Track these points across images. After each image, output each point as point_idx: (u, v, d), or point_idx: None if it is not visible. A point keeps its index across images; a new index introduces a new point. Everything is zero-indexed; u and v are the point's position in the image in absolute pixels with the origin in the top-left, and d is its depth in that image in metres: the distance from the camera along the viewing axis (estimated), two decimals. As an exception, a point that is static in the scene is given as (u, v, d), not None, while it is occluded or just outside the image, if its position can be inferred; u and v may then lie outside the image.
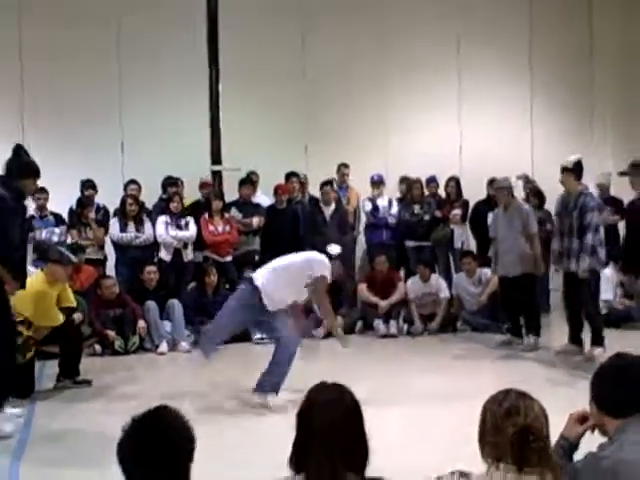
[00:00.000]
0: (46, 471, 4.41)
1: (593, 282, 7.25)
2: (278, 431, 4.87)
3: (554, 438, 2.44)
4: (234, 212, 9.45)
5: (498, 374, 6.90)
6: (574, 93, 12.14)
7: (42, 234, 8.73)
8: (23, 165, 5.32)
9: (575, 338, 7.43)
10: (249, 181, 9.74)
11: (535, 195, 9.74)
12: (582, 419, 2.64)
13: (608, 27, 12.06)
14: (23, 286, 5.38)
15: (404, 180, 10.27)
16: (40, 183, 7.96)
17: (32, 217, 8.76)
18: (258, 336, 8.47)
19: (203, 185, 9.83)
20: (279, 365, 5.73)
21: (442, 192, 10.31)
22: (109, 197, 9.38)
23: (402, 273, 9.80)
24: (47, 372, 6.70)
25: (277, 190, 9.65)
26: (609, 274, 8.94)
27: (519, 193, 9.32)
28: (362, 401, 2.30)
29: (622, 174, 8.66)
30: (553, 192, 8.07)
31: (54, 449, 4.82)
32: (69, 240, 8.85)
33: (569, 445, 2.59)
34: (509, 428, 2.19)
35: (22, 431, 5.17)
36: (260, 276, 5.87)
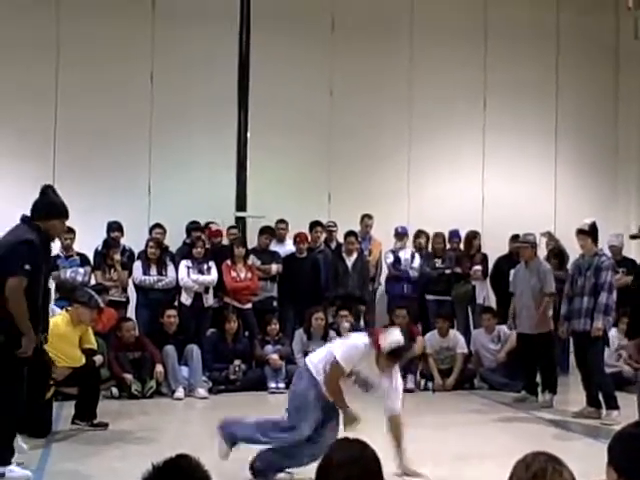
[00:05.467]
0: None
1: (601, 343, 7.25)
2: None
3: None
4: (252, 259, 9.52)
5: (514, 434, 6.79)
6: (599, 152, 12.21)
7: (67, 273, 8.84)
8: (51, 205, 5.12)
9: (593, 400, 7.37)
10: (268, 230, 9.83)
11: (556, 254, 9.72)
12: None
13: (634, 88, 12.15)
14: (45, 330, 5.29)
15: (421, 234, 10.30)
16: (68, 223, 8.25)
17: (57, 256, 8.87)
18: (273, 385, 8.49)
19: (215, 233, 9.82)
20: None
21: (462, 246, 10.34)
22: (135, 239, 9.51)
23: (419, 327, 9.76)
24: (64, 413, 6.72)
25: (296, 238, 9.75)
26: (613, 337, 8.83)
27: (541, 251, 9.33)
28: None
29: (633, 237, 8.68)
30: (576, 251, 8.08)
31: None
32: (93, 281, 8.95)
33: None
34: None
35: (36, 472, 5.17)
36: None
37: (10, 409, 4.90)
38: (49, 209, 5.09)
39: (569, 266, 8.88)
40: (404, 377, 8.77)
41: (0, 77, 10.00)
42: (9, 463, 4.91)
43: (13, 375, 4.88)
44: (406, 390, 8.55)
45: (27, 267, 4.77)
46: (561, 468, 2.20)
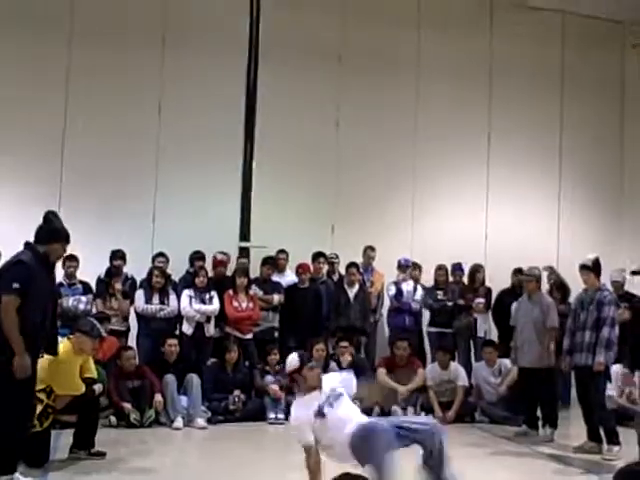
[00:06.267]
0: None
1: (603, 378, 7.22)
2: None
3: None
4: (255, 289, 9.54)
5: (514, 469, 6.77)
6: (604, 184, 12.27)
7: (69, 302, 8.86)
8: (52, 230, 5.36)
9: (594, 435, 7.33)
10: (270, 261, 9.86)
11: (558, 288, 9.72)
12: None
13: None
14: (55, 353, 5.53)
15: (415, 266, 10.31)
16: (72, 250, 8.29)
17: (61, 284, 8.92)
18: (272, 416, 8.46)
19: (219, 263, 9.81)
20: None
21: (465, 279, 10.34)
22: (138, 267, 9.54)
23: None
24: (62, 442, 6.70)
25: (298, 269, 9.77)
26: (615, 371, 8.79)
27: (543, 285, 9.32)
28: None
29: (634, 273, 8.68)
30: (578, 285, 8.09)
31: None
32: (94, 309, 8.97)
33: None
34: None
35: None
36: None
37: (11, 429, 5.01)
38: (50, 234, 5.34)
39: (571, 300, 8.90)
40: (404, 409, 8.81)
41: (8, 102, 10.06)
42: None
43: (15, 394, 4.99)
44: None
45: (16, 285, 4.99)
46: None
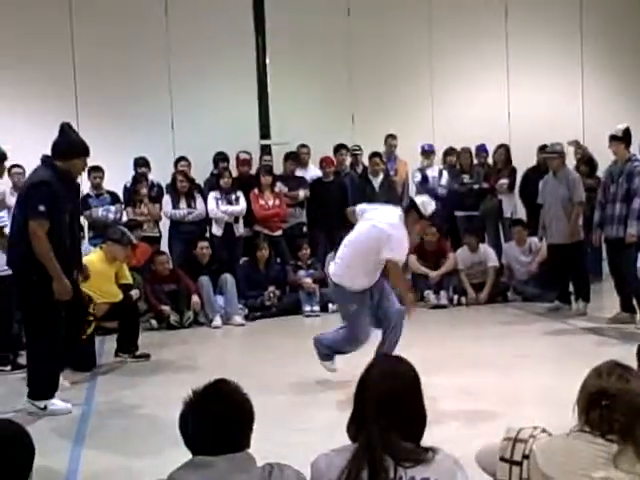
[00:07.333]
0: (109, 441, 4.57)
1: (635, 249, 7.21)
2: (329, 404, 5.00)
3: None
4: (280, 186, 9.53)
5: (549, 343, 6.89)
6: (626, 56, 11.84)
7: (99, 212, 8.95)
8: (70, 144, 5.09)
9: (627, 306, 7.39)
10: (293, 156, 9.81)
11: (586, 162, 9.60)
12: None
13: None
14: (79, 268, 5.41)
15: (452, 151, 10.19)
16: (95, 162, 8.31)
17: (88, 195, 8.99)
18: (308, 309, 8.61)
19: (242, 162, 9.73)
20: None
21: (490, 160, 10.22)
22: (163, 175, 9.54)
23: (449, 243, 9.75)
24: (106, 347, 6.92)
25: (322, 163, 9.73)
26: None
27: (570, 160, 9.20)
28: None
29: None
30: (605, 159, 7.98)
31: (117, 420, 4.98)
32: (125, 218, 9.06)
33: None
34: (589, 388, 2.20)
35: (85, 403, 5.37)
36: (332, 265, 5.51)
37: (49, 347, 5.01)
38: (68, 149, 5.08)
39: (600, 173, 8.79)
40: (437, 293, 8.93)
41: (17, 20, 9.87)
42: (51, 397, 5.09)
43: (50, 314, 4.96)
44: (440, 306, 8.77)
45: (42, 208, 4.79)
46: (629, 375, 2.20)
